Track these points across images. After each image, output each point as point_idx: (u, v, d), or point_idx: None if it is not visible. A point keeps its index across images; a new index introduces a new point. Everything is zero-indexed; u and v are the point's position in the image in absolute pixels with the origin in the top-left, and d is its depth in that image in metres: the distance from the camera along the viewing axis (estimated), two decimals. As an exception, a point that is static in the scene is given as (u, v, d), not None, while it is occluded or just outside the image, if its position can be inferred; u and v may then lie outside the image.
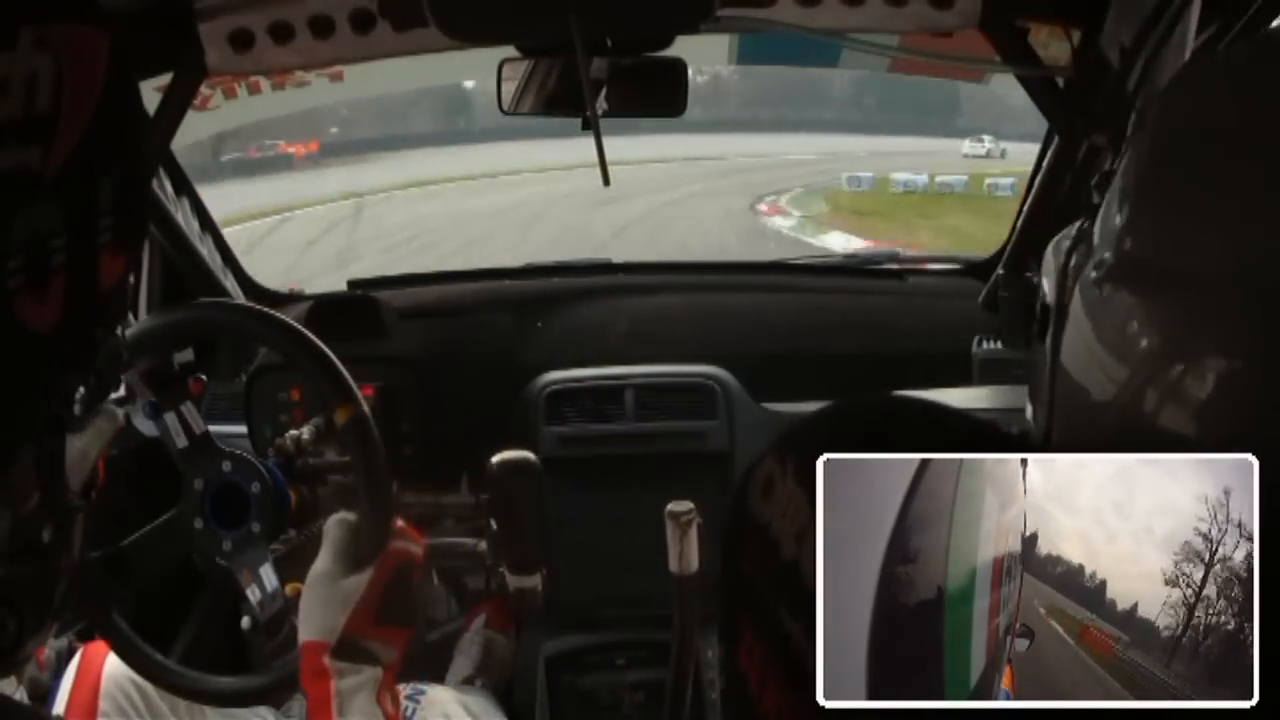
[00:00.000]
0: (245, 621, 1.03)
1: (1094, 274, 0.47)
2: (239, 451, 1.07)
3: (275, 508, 1.05)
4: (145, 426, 1.67)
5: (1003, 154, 34.21)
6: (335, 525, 0.92)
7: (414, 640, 0.92)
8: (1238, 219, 0.40)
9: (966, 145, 35.29)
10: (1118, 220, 0.46)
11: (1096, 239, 0.49)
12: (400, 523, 0.94)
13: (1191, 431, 0.40)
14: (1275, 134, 0.40)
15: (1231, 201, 0.40)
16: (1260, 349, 0.38)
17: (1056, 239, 0.59)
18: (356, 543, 0.91)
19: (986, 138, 36.20)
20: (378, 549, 0.90)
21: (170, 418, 1.06)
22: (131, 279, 1.23)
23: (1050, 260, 0.58)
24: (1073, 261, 0.52)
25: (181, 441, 1.06)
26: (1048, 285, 0.57)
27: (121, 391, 1.62)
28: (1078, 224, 0.54)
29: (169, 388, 1.06)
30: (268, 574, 1.02)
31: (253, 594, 1.02)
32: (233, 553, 1.03)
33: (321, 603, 0.88)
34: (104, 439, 0.94)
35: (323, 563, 0.90)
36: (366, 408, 0.97)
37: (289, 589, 1.02)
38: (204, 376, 1.15)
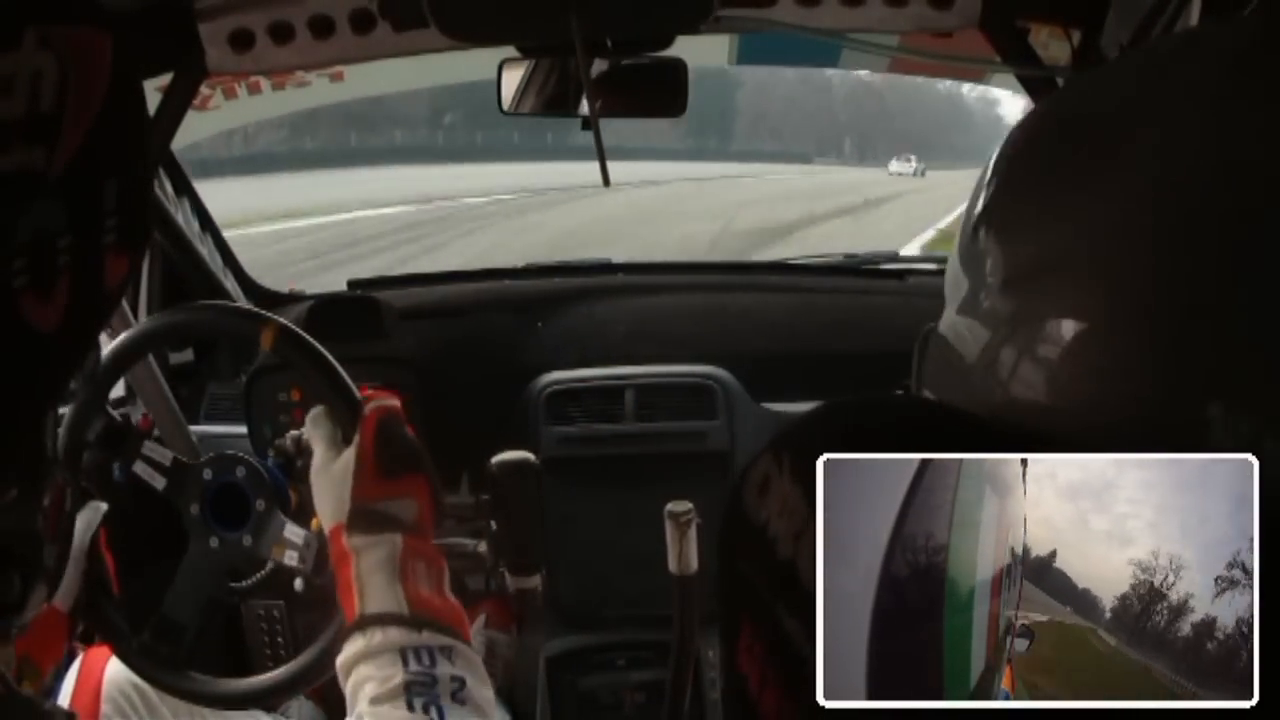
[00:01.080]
0: (298, 583, 1.01)
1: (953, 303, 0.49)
2: (210, 454, 1.06)
3: (268, 480, 1.03)
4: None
5: (922, 173, 33.64)
6: (312, 421, 0.91)
7: (434, 487, 0.88)
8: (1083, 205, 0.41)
9: (894, 165, 34.92)
10: (975, 210, 0.48)
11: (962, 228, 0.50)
12: (367, 390, 0.92)
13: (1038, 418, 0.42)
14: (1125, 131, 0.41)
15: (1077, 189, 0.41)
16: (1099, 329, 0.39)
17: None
18: (338, 423, 0.89)
19: (913, 156, 35.73)
20: (356, 418, 0.88)
21: (140, 467, 1.04)
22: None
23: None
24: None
25: (160, 483, 1.05)
26: None
27: (122, 392, 1.62)
28: None
29: (122, 442, 1.04)
30: (293, 531, 1.01)
31: (290, 558, 1.00)
32: (254, 545, 1.02)
33: (326, 488, 0.86)
34: (93, 529, 0.95)
35: (315, 457, 0.89)
36: (284, 320, 0.96)
37: (314, 526, 1.00)
38: (147, 412, 1.11)
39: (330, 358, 0.94)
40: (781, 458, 0.41)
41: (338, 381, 0.93)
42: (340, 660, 0.78)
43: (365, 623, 0.78)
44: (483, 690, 0.76)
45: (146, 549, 1.26)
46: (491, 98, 1.58)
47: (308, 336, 0.95)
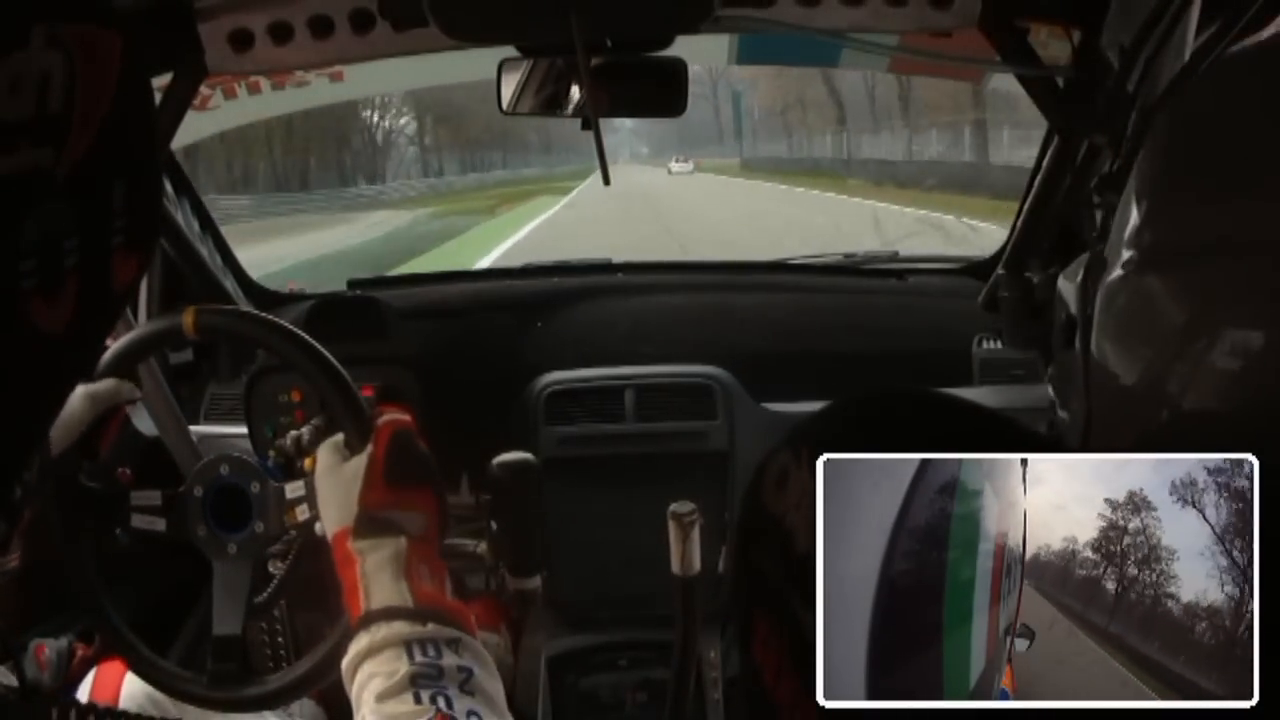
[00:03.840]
0: (318, 527, 1.00)
1: (1115, 274, 0.49)
2: (195, 468, 1.06)
3: (252, 462, 1.04)
4: (145, 426, 1.68)
5: (692, 171, 39.21)
6: (325, 447, 0.91)
7: (443, 505, 0.88)
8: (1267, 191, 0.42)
9: (675, 165, 40.06)
10: (1135, 217, 0.48)
11: (1112, 244, 0.50)
12: (369, 392, 0.92)
13: (1220, 404, 0.42)
14: None
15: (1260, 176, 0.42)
16: None
17: (1067, 270, 0.62)
18: (346, 432, 0.90)
19: (691, 159, 41.84)
20: (364, 427, 0.89)
21: (137, 520, 1.04)
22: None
23: (1066, 282, 0.60)
24: (1091, 275, 0.54)
25: (160, 525, 1.04)
26: (1069, 299, 0.59)
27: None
28: (1089, 252, 0.56)
29: (112, 505, 1.04)
30: (294, 489, 1.00)
31: (303, 513, 0.98)
32: (267, 527, 1.02)
33: (332, 492, 0.86)
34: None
35: (321, 459, 0.89)
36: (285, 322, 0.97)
37: (308, 465, 1.00)
38: (127, 469, 1.09)
39: (265, 318, 0.96)
40: (800, 452, 0.42)
41: (330, 367, 0.93)
42: (345, 662, 0.77)
43: (370, 619, 0.77)
44: (492, 682, 0.75)
45: (181, 594, 1.25)
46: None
47: (225, 307, 0.96)
